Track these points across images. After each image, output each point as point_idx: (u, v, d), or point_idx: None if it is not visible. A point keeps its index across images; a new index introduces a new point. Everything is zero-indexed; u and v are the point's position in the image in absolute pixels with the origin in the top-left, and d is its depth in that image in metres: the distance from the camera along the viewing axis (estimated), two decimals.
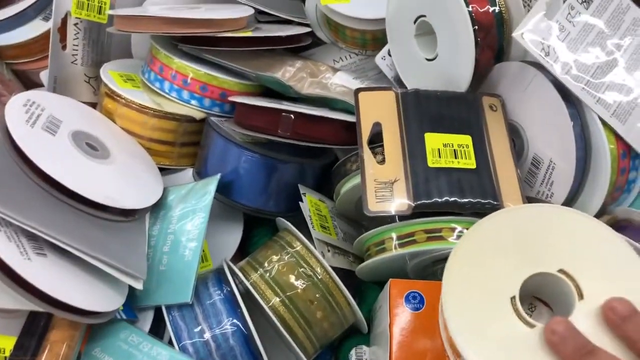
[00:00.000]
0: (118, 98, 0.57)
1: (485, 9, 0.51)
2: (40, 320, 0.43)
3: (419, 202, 0.46)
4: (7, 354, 0.42)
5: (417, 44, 0.56)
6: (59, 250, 0.43)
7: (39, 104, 0.51)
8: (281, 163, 0.54)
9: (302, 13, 0.65)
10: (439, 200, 0.46)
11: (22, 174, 0.45)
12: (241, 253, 0.59)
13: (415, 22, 0.55)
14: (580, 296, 0.36)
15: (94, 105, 0.65)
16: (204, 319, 0.47)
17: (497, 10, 0.52)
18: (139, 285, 0.45)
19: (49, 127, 0.49)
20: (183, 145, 0.59)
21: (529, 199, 0.49)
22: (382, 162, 0.48)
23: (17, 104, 0.49)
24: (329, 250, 0.52)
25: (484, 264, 0.38)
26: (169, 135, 0.58)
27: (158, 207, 0.53)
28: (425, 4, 0.53)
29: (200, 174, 0.58)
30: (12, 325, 0.43)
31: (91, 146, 0.52)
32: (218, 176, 0.53)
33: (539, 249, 0.38)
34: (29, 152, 0.45)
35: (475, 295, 0.37)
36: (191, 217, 0.51)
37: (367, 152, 0.48)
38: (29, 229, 0.41)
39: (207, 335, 0.46)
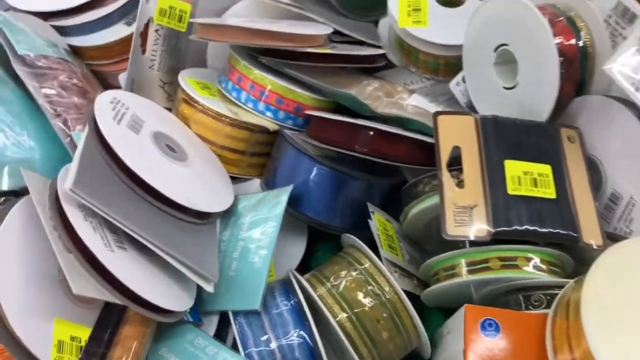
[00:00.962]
0: (195, 104, 0.58)
1: (571, 41, 0.51)
2: (114, 314, 0.44)
3: (498, 229, 0.45)
4: (83, 343, 0.42)
5: (496, 72, 0.56)
6: (138, 246, 0.44)
7: (123, 103, 0.52)
8: (352, 179, 0.54)
9: (374, 35, 0.66)
10: (519, 228, 0.46)
11: (108, 168, 0.46)
12: (302, 266, 0.58)
13: (495, 50, 0.55)
14: None
15: (167, 110, 0.66)
16: (271, 328, 0.47)
17: (581, 44, 0.52)
18: (210, 288, 0.45)
19: (133, 126, 0.50)
20: (253, 155, 0.60)
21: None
22: (460, 185, 0.48)
23: (105, 100, 0.50)
24: (395, 271, 0.52)
25: (625, 285, 0.38)
26: (241, 144, 0.59)
27: (229, 214, 0.53)
28: (508, 33, 0.53)
29: (269, 185, 0.58)
30: (87, 316, 0.43)
31: (170, 147, 0.53)
32: (290, 187, 0.53)
33: None
34: (117, 148, 0.46)
35: (618, 314, 0.37)
36: (262, 225, 0.51)
37: (446, 175, 0.48)
38: (113, 221, 0.42)
39: (274, 345, 0.46)
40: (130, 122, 0.50)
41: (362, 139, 0.51)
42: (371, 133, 0.51)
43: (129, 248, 0.43)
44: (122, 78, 0.64)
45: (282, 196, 0.53)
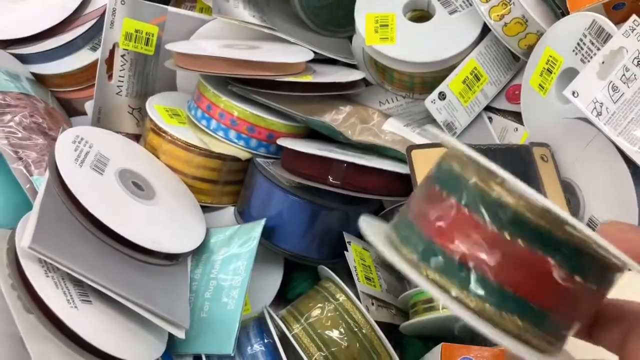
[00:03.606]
0: (164, 134, 0.57)
1: None
2: None
3: None
4: None
5: None
6: (104, 297, 0.42)
7: (87, 141, 0.50)
8: (326, 209, 0.53)
9: (348, 52, 0.65)
10: None
11: (70, 214, 0.44)
12: (279, 296, 0.57)
13: None
14: None
15: (137, 137, 0.64)
16: None
17: None
18: (181, 335, 0.44)
19: (97, 166, 0.49)
20: (226, 184, 0.58)
21: None
22: None
23: (67, 140, 0.48)
24: (372, 304, 0.51)
25: None
26: (213, 173, 0.57)
27: (201, 250, 0.52)
28: None
29: (243, 214, 0.57)
30: None
31: (137, 185, 0.51)
32: (263, 221, 0.52)
33: None
34: (79, 193, 0.44)
35: None
36: (234, 262, 0.50)
37: None
38: (77, 275, 0.40)
39: None
40: (94, 162, 0.49)
41: (335, 172, 0.50)
42: (344, 166, 0.49)
43: (95, 300, 0.42)
44: (89, 106, 0.62)
45: (254, 231, 0.51)
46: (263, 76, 0.54)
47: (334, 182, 0.50)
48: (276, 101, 0.55)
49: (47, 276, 0.40)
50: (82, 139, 0.50)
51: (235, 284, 0.49)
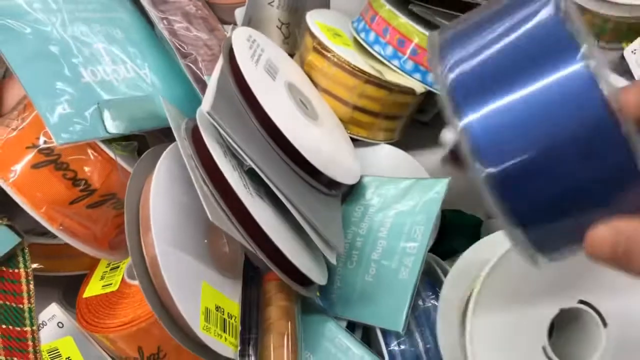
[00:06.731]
0: (330, 55, 0.50)
1: None
2: (253, 294, 0.37)
3: None
4: (226, 315, 0.36)
5: None
6: (274, 202, 0.37)
7: (259, 44, 0.44)
8: None
9: None
10: None
11: (243, 111, 0.38)
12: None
13: None
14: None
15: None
16: (416, 326, 0.40)
17: None
18: (332, 259, 0.39)
19: (269, 70, 0.43)
20: (386, 118, 0.51)
21: None
22: None
23: (242, 37, 0.42)
24: None
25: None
26: (376, 105, 0.50)
27: (366, 201, 0.45)
28: None
29: None
30: (227, 286, 0.38)
31: (303, 103, 0.45)
32: (447, 180, 0.44)
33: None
34: (258, 93, 0.39)
35: None
36: (409, 224, 0.43)
37: None
38: (248, 161, 0.36)
39: (421, 348, 0.39)
40: (267, 65, 0.43)
41: None
42: None
43: (266, 200, 0.37)
44: (239, 14, 0.56)
45: (436, 188, 0.44)
46: None
47: None
48: None
49: (229, 162, 0.35)
50: (254, 40, 0.43)
51: (409, 251, 0.42)
